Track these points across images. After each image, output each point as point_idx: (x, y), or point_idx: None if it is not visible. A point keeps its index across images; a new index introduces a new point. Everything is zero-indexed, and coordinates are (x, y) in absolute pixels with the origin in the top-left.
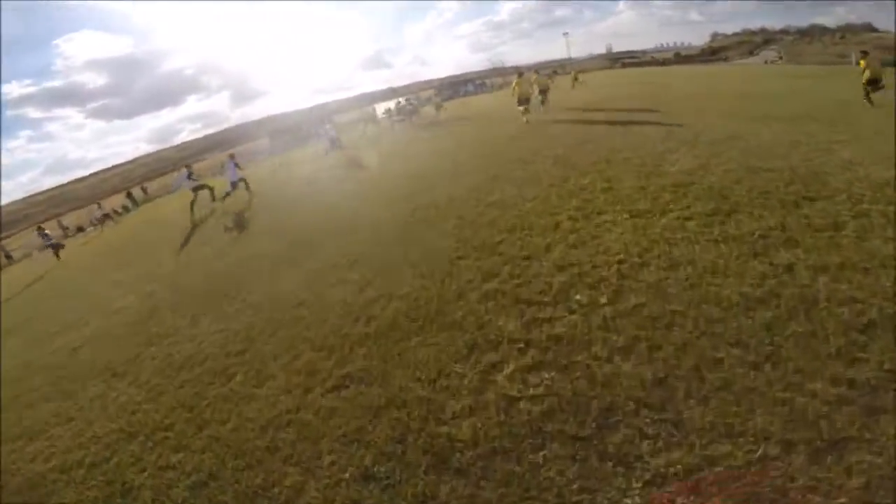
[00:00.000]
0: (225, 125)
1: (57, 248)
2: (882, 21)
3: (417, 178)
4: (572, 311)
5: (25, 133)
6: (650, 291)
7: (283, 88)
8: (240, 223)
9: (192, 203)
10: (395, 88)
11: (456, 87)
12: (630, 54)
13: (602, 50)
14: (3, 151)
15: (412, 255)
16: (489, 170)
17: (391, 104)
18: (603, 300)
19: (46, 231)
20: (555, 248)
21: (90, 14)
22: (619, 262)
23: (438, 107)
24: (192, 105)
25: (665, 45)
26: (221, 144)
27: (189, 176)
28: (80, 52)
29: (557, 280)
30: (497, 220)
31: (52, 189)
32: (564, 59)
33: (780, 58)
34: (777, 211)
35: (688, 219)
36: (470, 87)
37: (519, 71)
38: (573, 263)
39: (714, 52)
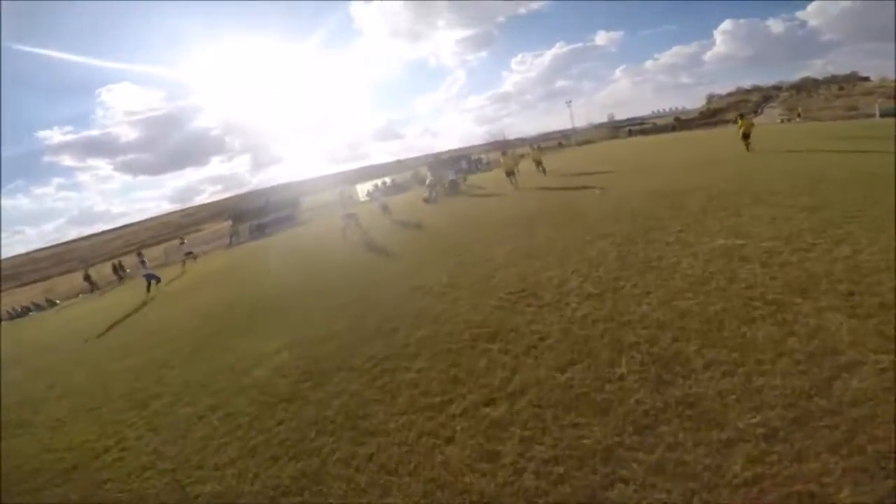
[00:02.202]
0: (245, 188)
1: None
2: (863, 68)
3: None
4: None
5: (57, 181)
6: None
7: (298, 155)
8: None
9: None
10: (402, 161)
11: (447, 165)
12: (630, 122)
13: (604, 118)
14: (31, 198)
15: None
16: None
17: (375, 184)
18: None
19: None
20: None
21: (131, 67)
22: None
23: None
24: (215, 166)
25: (662, 111)
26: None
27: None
28: (118, 103)
29: None
30: None
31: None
32: (568, 130)
33: (799, 115)
34: None
35: None
36: (463, 164)
37: (503, 150)
38: None
39: (713, 114)
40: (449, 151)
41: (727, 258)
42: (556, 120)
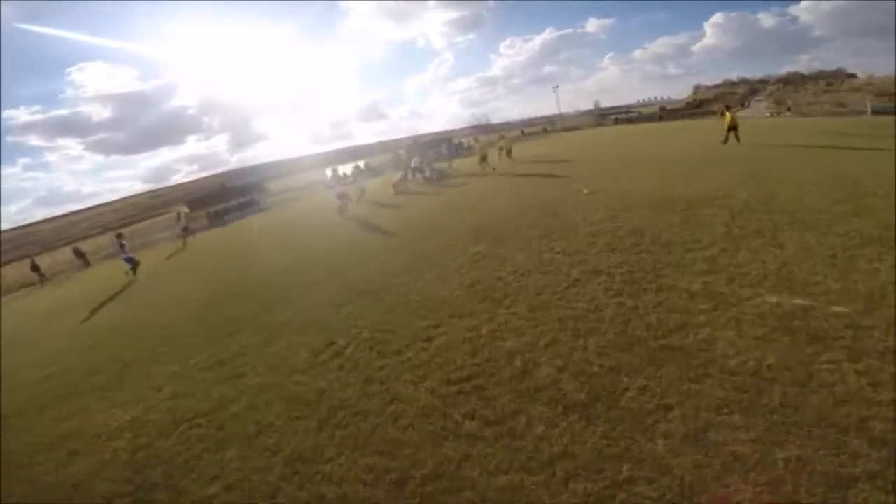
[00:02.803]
0: (223, 168)
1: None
2: (849, 65)
3: None
4: None
5: (23, 161)
6: None
7: (280, 135)
8: None
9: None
10: (384, 142)
11: (426, 148)
12: (616, 109)
13: (590, 105)
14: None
15: None
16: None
17: (347, 168)
18: None
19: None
20: None
21: (105, 44)
22: None
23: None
24: (191, 146)
25: (648, 100)
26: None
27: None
28: (90, 82)
29: None
30: None
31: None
32: (554, 116)
33: (789, 109)
34: None
35: None
36: (443, 149)
37: (475, 137)
38: None
39: (699, 105)
40: (432, 134)
41: (790, 338)
42: (542, 105)
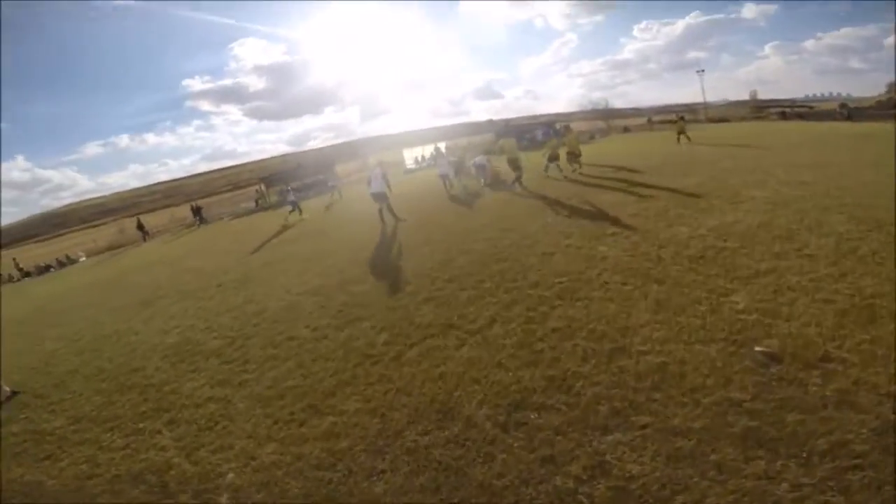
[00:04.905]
0: (352, 137)
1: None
2: None
3: None
4: None
5: (196, 122)
6: None
7: (402, 109)
8: None
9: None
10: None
11: (522, 132)
12: (777, 102)
13: (744, 96)
14: (176, 136)
15: None
16: None
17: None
18: None
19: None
20: None
21: (258, 28)
22: None
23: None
24: (328, 115)
25: (820, 95)
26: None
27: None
28: (248, 56)
29: None
30: None
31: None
32: (697, 104)
33: None
34: None
35: None
36: (538, 135)
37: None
38: None
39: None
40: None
41: None
42: (680, 93)
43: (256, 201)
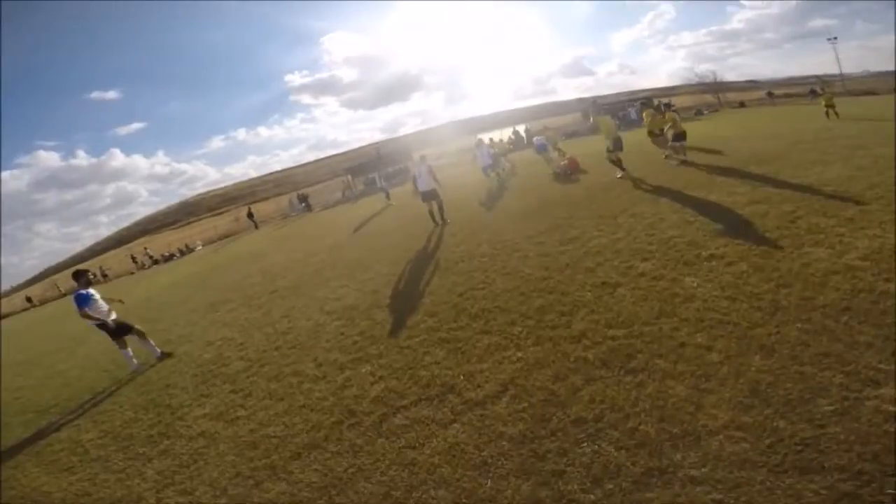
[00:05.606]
0: (437, 122)
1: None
2: None
3: None
4: None
5: (300, 115)
6: None
7: (487, 91)
8: None
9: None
10: (583, 99)
11: (613, 111)
12: None
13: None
14: (284, 128)
15: None
16: None
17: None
18: None
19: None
20: None
21: (347, 14)
22: None
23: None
24: (415, 101)
25: None
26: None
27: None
28: (338, 49)
29: None
30: None
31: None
32: (832, 76)
33: None
34: None
35: None
36: (632, 114)
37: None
38: None
39: None
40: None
41: None
42: (805, 63)
43: (343, 192)
